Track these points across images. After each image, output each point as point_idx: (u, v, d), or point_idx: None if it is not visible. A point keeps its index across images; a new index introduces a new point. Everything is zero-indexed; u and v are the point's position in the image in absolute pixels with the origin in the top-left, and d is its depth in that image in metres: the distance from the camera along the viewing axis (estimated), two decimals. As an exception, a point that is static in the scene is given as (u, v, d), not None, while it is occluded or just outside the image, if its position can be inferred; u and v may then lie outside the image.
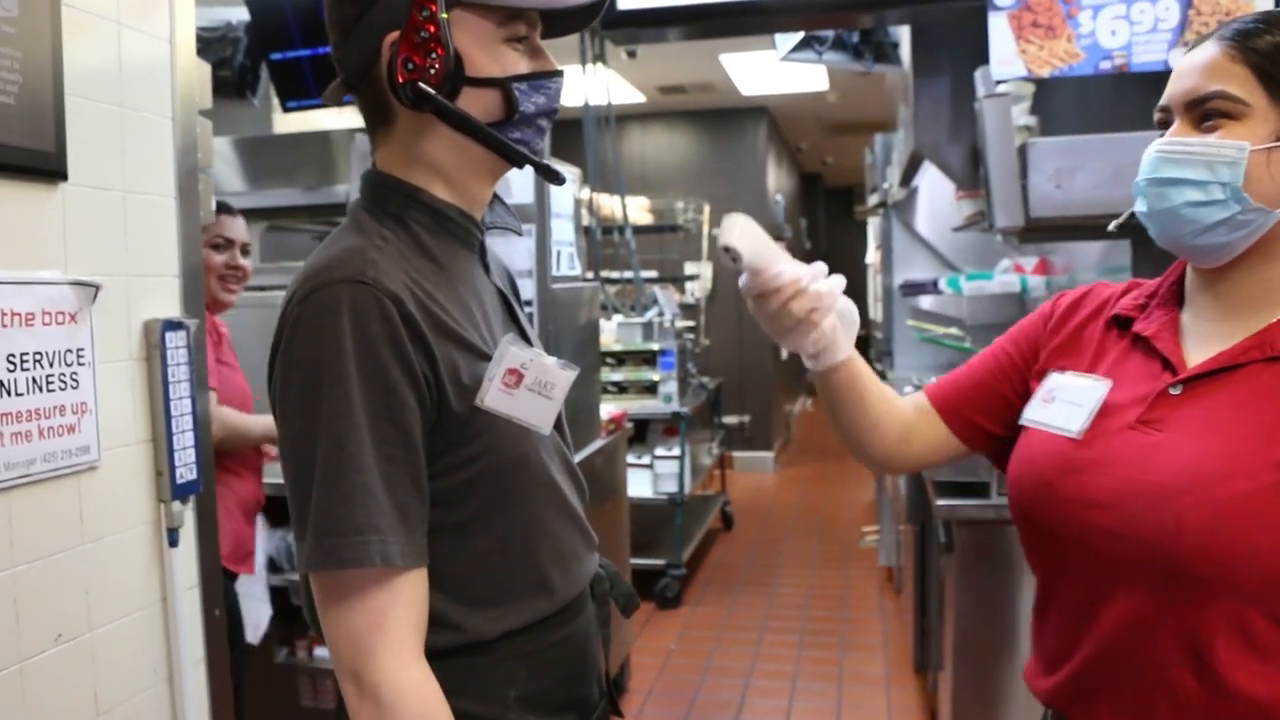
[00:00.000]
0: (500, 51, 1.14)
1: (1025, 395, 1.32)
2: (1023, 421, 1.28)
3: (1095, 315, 1.30)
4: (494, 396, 1.12)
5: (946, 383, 1.41)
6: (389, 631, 1.05)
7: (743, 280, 1.17)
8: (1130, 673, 1.12)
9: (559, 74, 1.18)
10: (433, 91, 1.10)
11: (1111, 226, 1.31)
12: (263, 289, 3.39)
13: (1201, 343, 1.17)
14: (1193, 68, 1.12)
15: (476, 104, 1.13)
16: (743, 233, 1.15)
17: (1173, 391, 1.14)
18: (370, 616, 1.05)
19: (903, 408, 1.40)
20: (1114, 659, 1.13)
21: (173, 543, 1.80)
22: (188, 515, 1.86)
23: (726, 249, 1.15)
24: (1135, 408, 1.16)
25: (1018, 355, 1.36)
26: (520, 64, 1.15)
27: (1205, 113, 1.11)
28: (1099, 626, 1.14)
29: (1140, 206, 1.17)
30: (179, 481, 1.79)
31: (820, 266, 1.19)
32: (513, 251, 3.40)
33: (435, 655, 1.10)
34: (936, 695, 3.38)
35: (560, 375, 1.17)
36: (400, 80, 1.10)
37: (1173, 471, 1.08)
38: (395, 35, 1.09)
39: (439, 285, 1.13)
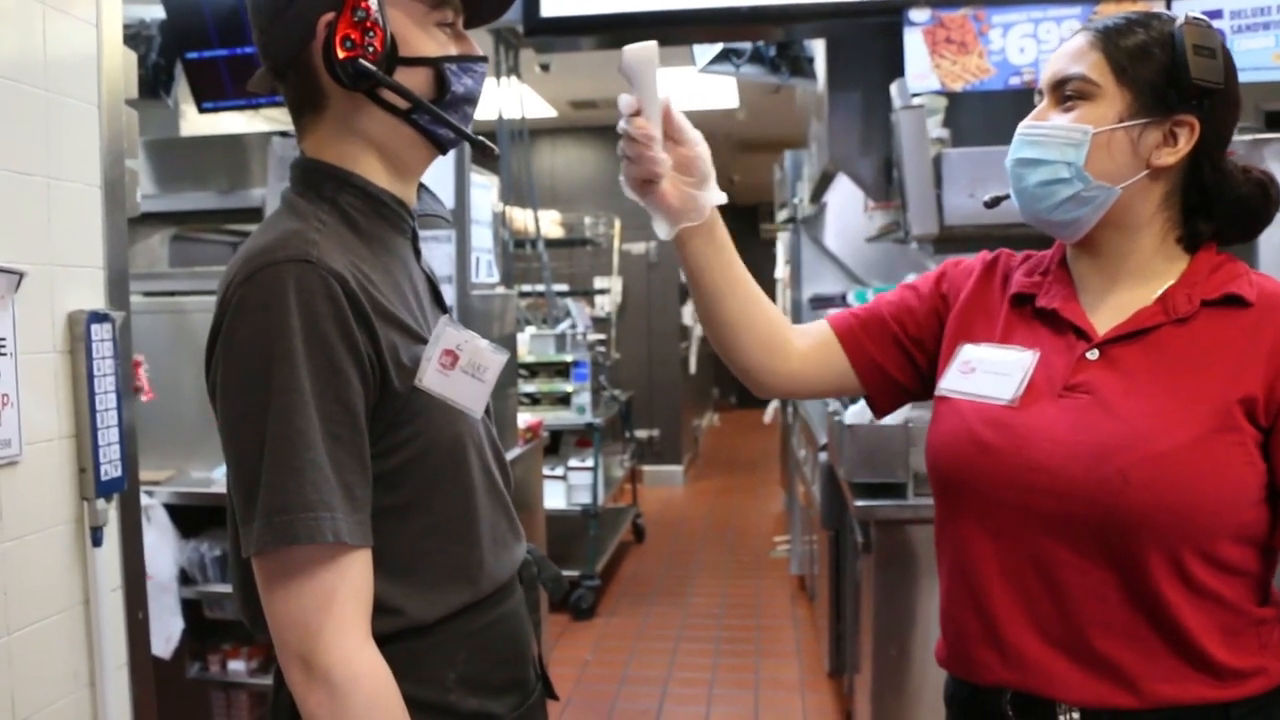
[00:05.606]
0: (432, 32, 1.15)
1: (923, 348, 1.38)
2: (943, 392, 1.31)
3: (989, 284, 1.36)
4: (431, 377, 1.12)
5: (850, 314, 1.43)
6: (337, 612, 1.03)
7: (621, 122, 1.23)
8: (1079, 619, 1.18)
9: (484, 59, 1.21)
10: (373, 68, 1.10)
11: (985, 199, 1.39)
12: (172, 294, 3.32)
13: (1099, 311, 1.26)
14: (1062, 53, 1.25)
15: (409, 83, 1.13)
16: (643, 62, 1.21)
17: (1090, 356, 1.22)
18: (318, 597, 1.03)
19: (779, 320, 1.40)
20: (1063, 610, 1.18)
21: (96, 542, 1.75)
22: (111, 514, 1.80)
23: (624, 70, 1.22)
24: (1058, 376, 1.23)
25: (921, 310, 1.40)
26: (450, 46, 1.17)
27: (1065, 94, 1.23)
28: (1044, 583, 1.19)
29: (1012, 185, 1.29)
30: (103, 479, 1.74)
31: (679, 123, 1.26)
32: (433, 257, 3.36)
33: (375, 641, 1.08)
34: (852, 697, 3.43)
35: (492, 358, 1.18)
36: (340, 58, 1.09)
37: (1109, 432, 1.16)
38: (330, 16, 1.10)
39: (375, 268, 1.13)
